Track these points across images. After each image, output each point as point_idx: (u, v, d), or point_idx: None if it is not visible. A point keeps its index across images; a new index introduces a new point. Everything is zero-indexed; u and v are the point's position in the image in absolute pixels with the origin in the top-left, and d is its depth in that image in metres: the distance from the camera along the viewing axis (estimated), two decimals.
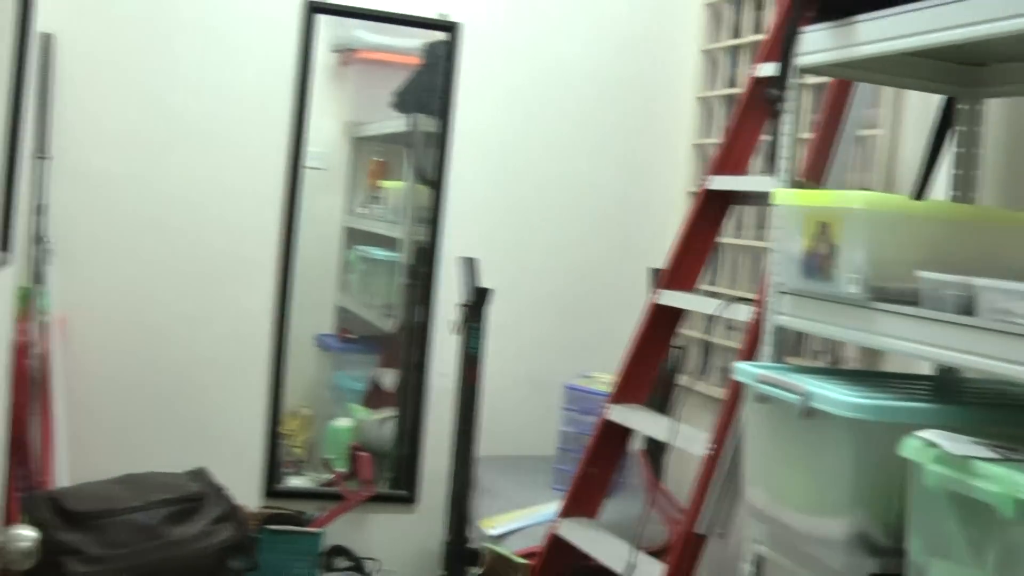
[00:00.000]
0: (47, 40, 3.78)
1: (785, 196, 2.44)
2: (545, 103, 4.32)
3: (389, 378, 4.51)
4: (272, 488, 4.13)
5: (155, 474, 3.45)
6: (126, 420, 3.96)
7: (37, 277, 3.69)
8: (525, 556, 3.27)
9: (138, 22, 3.94)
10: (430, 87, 4.26)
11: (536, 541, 3.32)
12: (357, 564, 3.74)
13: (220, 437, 4.05)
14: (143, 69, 3.95)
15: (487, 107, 4.27)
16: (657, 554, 3.02)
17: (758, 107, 3.19)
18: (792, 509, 2.26)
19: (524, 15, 4.29)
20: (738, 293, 3.84)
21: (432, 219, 4.23)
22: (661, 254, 3.46)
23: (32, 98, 3.65)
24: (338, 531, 4.05)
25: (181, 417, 4.02)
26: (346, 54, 4.39)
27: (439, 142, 4.23)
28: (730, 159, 3.28)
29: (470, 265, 3.76)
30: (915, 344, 1.98)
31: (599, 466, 3.31)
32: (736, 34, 4.20)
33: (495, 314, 3.89)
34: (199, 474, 3.49)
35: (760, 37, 3.90)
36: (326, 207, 4.48)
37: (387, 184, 4.52)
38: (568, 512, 3.28)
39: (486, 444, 4.01)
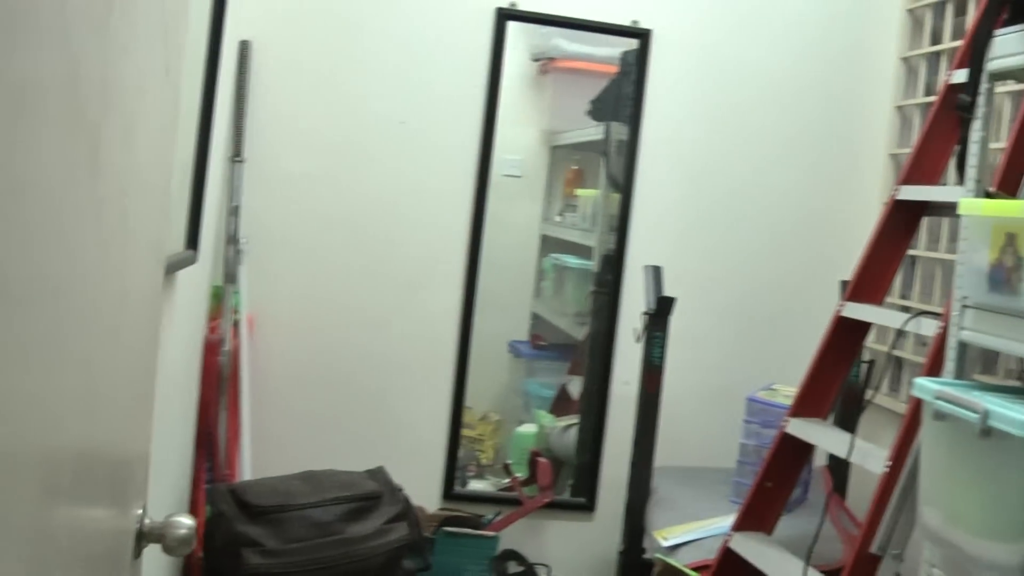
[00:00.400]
0: (244, 47, 3.89)
1: (971, 206, 2.34)
2: (735, 110, 4.25)
3: (577, 386, 4.50)
4: (451, 491, 4.16)
5: (334, 472, 3.50)
6: (310, 417, 4.05)
7: (229, 276, 3.78)
8: (697, 568, 3.21)
9: (333, 29, 4.02)
10: (624, 95, 4.23)
11: (709, 554, 3.26)
12: (528, 569, 3.73)
13: (402, 438, 4.10)
14: (337, 75, 4.03)
15: (677, 114, 4.22)
16: (833, 574, 2.92)
17: (951, 114, 3.07)
18: (966, 532, 2.15)
19: (716, 22, 4.22)
20: (931, 308, 3.69)
21: (619, 227, 4.20)
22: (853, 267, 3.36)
23: (228, 103, 3.76)
24: (515, 536, 4.05)
25: (364, 417, 4.08)
26: (545, 63, 4.41)
27: (628, 149, 4.20)
28: (921, 168, 3.16)
29: (655, 273, 3.72)
30: None
31: (775, 480, 3.22)
32: (936, 40, 4.04)
33: (679, 324, 3.84)
34: (377, 473, 3.52)
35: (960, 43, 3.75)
36: (524, 214, 4.51)
37: (582, 192, 4.52)
38: (742, 526, 3.20)
39: (666, 454, 3.96)
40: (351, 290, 4.06)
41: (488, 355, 4.42)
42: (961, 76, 2.82)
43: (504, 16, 4.11)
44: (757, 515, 3.23)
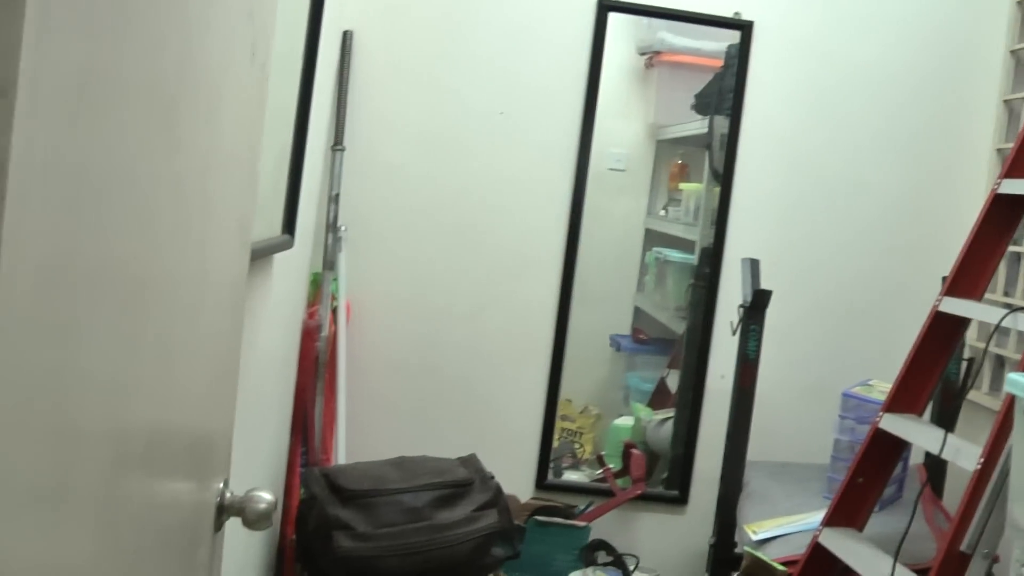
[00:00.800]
0: (347, 37, 3.94)
1: None
2: (837, 103, 4.19)
3: (675, 379, 4.48)
4: (544, 480, 4.18)
5: (427, 458, 3.53)
6: (404, 404, 4.09)
7: (328, 263, 3.84)
8: (786, 563, 3.19)
9: (434, 21, 4.05)
10: (727, 88, 4.21)
11: (799, 549, 3.23)
12: (617, 559, 3.73)
13: (496, 427, 4.12)
14: (437, 66, 4.06)
15: (777, 107, 4.18)
16: (925, 572, 2.88)
17: None
18: None
19: (818, 14, 4.17)
20: None
21: (718, 220, 4.18)
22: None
23: (330, 92, 3.81)
24: (608, 527, 4.05)
25: (458, 405, 4.11)
26: (651, 57, 4.39)
27: (728, 142, 4.17)
28: None
29: (752, 266, 3.70)
30: None
31: (867, 476, 3.18)
32: None
33: (775, 317, 3.81)
34: (468, 460, 3.54)
35: None
36: (629, 208, 4.50)
37: (685, 186, 4.50)
38: (832, 521, 3.17)
39: (761, 448, 3.94)
40: (447, 279, 4.09)
41: (589, 349, 4.43)
42: None
43: (605, 8, 4.10)
44: (848, 511, 3.19)
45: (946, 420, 3.43)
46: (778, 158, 4.18)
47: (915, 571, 2.85)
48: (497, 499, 3.43)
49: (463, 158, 4.08)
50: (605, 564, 3.74)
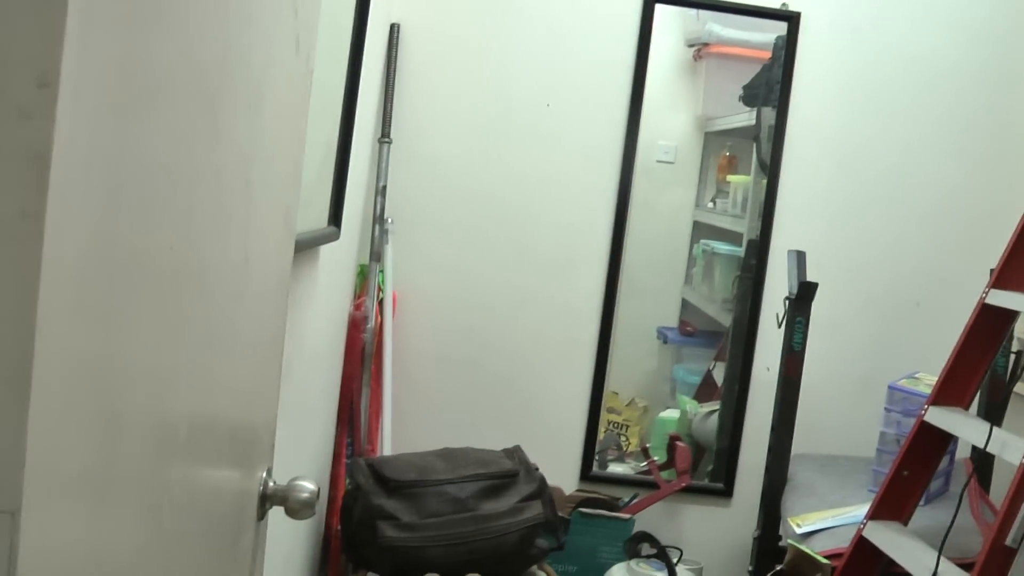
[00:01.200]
0: (394, 29, 3.96)
1: None
2: (885, 94, 4.16)
3: (721, 372, 4.48)
4: (588, 472, 4.19)
5: (472, 449, 3.54)
6: (450, 395, 4.11)
7: (375, 255, 3.86)
8: (831, 556, 3.17)
9: (480, 13, 4.06)
10: (775, 80, 4.20)
11: (843, 542, 3.22)
12: (661, 551, 3.73)
13: (541, 419, 4.14)
14: (483, 58, 4.07)
15: (825, 98, 4.16)
16: (971, 566, 2.86)
17: None
18: None
19: (866, 4, 4.15)
20: None
21: (765, 212, 4.17)
22: None
23: (377, 84, 3.83)
24: (653, 520, 4.05)
25: (503, 396, 4.12)
26: (700, 48, 4.39)
27: (775, 134, 4.16)
28: None
29: (798, 258, 3.69)
30: None
31: (912, 469, 3.16)
32: None
33: (822, 310, 3.80)
34: (513, 452, 3.55)
35: None
36: (677, 201, 4.50)
37: (733, 178, 4.49)
38: (877, 515, 3.15)
39: (807, 441, 3.93)
40: (493, 271, 4.10)
41: (636, 341, 4.44)
42: None
43: (652, 0, 4.10)
44: (893, 504, 3.17)
45: (993, 413, 3.40)
46: (825, 150, 4.16)
47: (961, 565, 2.83)
48: (542, 490, 3.44)
49: (509, 151, 4.09)
50: (649, 556, 3.74)
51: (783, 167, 4.16)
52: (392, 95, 3.95)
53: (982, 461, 3.60)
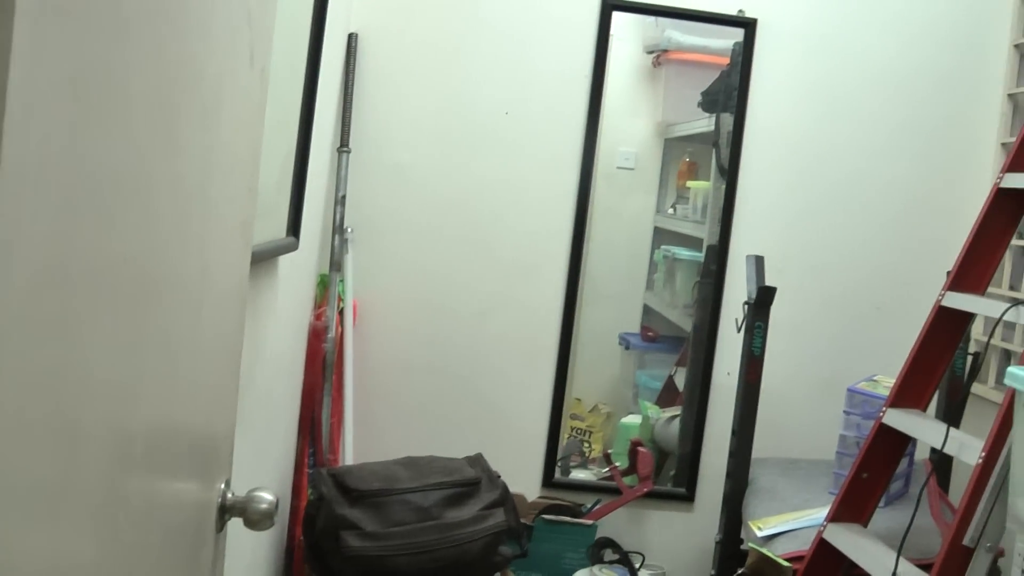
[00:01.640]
0: (352, 39, 3.96)
1: None
2: (842, 99, 4.20)
3: (683, 377, 4.49)
4: (551, 479, 4.19)
5: (435, 458, 3.54)
6: (412, 404, 4.11)
7: (335, 265, 3.86)
8: (792, 559, 3.19)
9: (438, 22, 4.07)
10: (734, 86, 4.22)
11: (804, 545, 3.24)
12: (624, 557, 3.74)
13: (503, 426, 4.14)
14: (442, 67, 4.08)
15: (782, 104, 4.19)
16: (931, 567, 2.88)
17: None
18: None
19: (822, 10, 4.18)
20: None
21: (723, 217, 4.20)
22: None
23: (335, 94, 3.83)
24: (617, 525, 4.07)
25: (466, 404, 4.13)
26: (659, 55, 4.40)
27: (733, 140, 4.19)
28: None
29: (757, 263, 3.71)
30: None
31: (872, 471, 3.19)
32: None
33: (783, 314, 3.83)
34: (476, 460, 3.56)
35: None
36: (638, 207, 4.51)
37: (693, 184, 4.51)
38: (837, 517, 3.18)
39: (770, 445, 3.96)
40: (454, 279, 4.11)
41: (599, 347, 4.44)
42: None
43: (610, 6, 4.12)
44: (852, 506, 3.20)
45: (951, 414, 3.43)
46: (783, 155, 4.19)
47: (922, 565, 2.85)
48: (505, 498, 3.44)
49: (469, 159, 4.10)
50: (612, 562, 3.75)
51: (742, 172, 4.19)
52: (351, 104, 3.95)
53: (941, 462, 3.64)
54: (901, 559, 2.81)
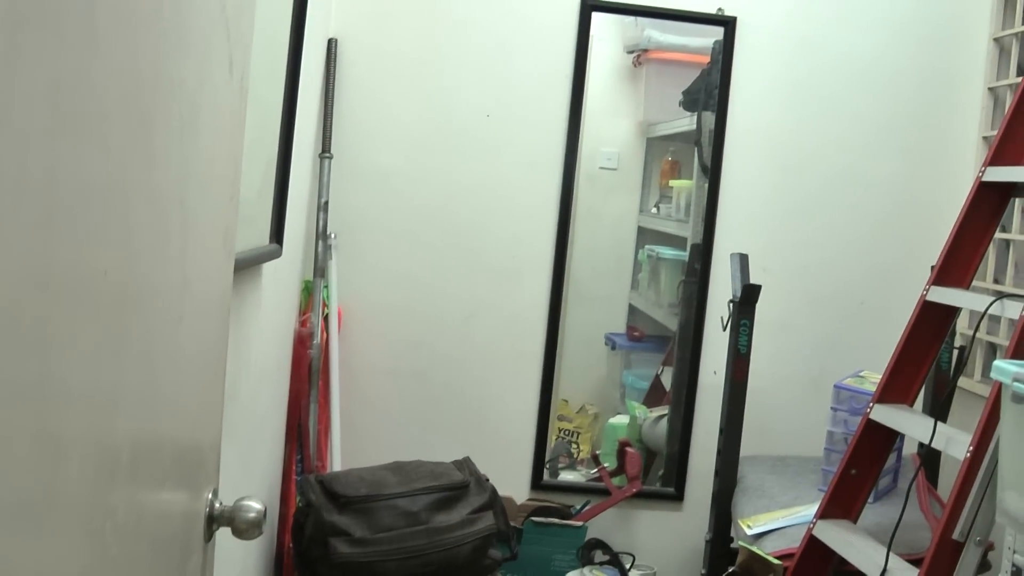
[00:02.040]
0: (332, 44, 3.95)
1: None
2: (823, 96, 4.21)
3: (670, 376, 4.50)
4: (540, 481, 4.19)
5: (423, 462, 3.54)
6: (399, 409, 4.10)
7: (319, 271, 3.85)
8: (782, 557, 3.20)
9: (418, 26, 4.06)
10: (715, 85, 4.23)
11: (794, 542, 3.24)
12: (614, 557, 3.74)
13: (491, 429, 4.14)
14: (423, 70, 4.08)
15: (763, 102, 4.20)
16: (921, 561, 2.89)
17: None
18: None
19: (802, 7, 4.19)
20: (1022, 292, 3.63)
21: (707, 216, 4.20)
22: None
23: (316, 100, 3.83)
24: (606, 526, 4.07)
25: (453, 408, 4.12)
26: (639, 55, 4.40)
27: (715, 138, 4.19)
28: (1008, 149, 3.11)
29: (741, 261, 3.71)
30: None
31: (860, 467, 3.19)
32: None
33: (768, 311, 3.83)
34: (464, 463, 3.56)
35: None
36: (621, 207, 4.51)
37: (676, 183, 4.51)
38: (826, 513, 3.18)
39: (758, 443, 3.96)
40: (439, 283, 4.10)
41: (585, 348, 4.44)
42: None
43: (589, 7, 4.12)
44: (842, 503, 3.20)
45: (938, 409, 3.44)
46: (765, 152, 4.20)
47: (910, 560, 2.86)
48: (493, 501, 3.44)
49: (451, 162, 4.09)
50: (602, 563, 3.75)
51: (724, 171, 4.19)
52: (332, 110, 3.94)
53: (929, 456, 3.64)
54: (891, 554, 2.81)
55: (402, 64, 4.07)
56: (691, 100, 4.36)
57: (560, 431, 4.39)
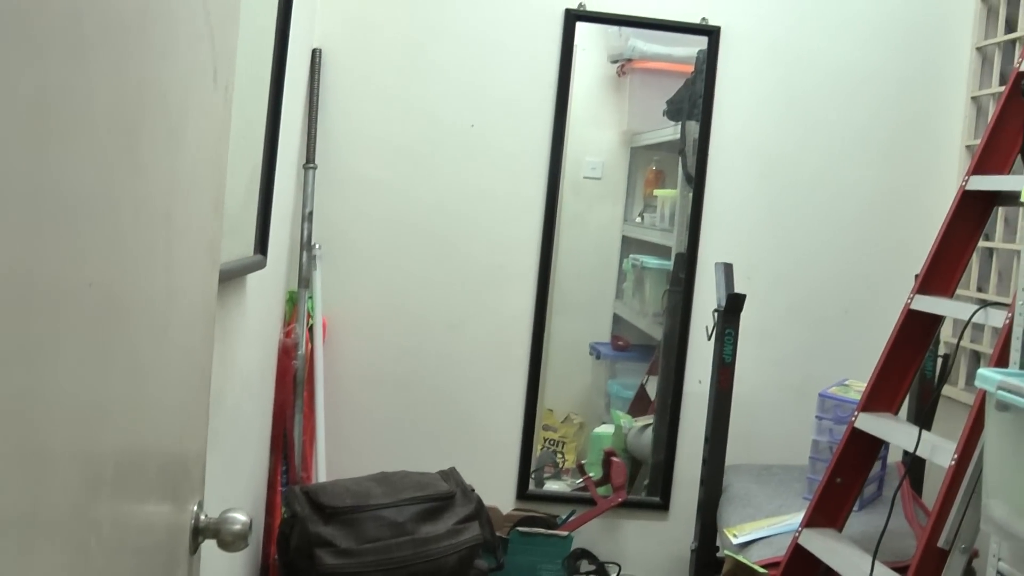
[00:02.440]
0: (315, 55, 3.95)
1: None
2: (807, 105, 4.22)
3: (655, 385, 4.50)
4: (525, 491, 4.19)
5: (408, 473, 3.53)
6: (384, 420, 4.09)
7: (304, 281, 3.84)
8: (768, 566, 3.20)
9: (402, 36, 4.06)
10: (699, 94, 4.23)
11: (780, 551, 3.24)
12: (599, 568, 3.74)
13: (476, 440, 4.13)
14: (406, 81, 4.07)
15: (747, 111, 4.20)
16: (906, 569, 2.89)
17: (1021, 103, 3.03)
18: None
19: (786, 16, 4.20)
20: (1006, 300, 3.64)
21: (691, 225, 4.20)
22: None
23: (300, 110, 3.82)
24: (592, 536, 4.07)
25: (438, 419, 4.12)
26: (623, 64, 4.41)
27: (699, 147, 4.19)
28: (991, 158, 3.12)
29: (725, 270, 3.71)
30: None
31: (845, 476, 3.20)
32: (1012, 28, 3.99)
33: (752, 320, 3.83)
34: (449, 474, 3.55)
35: None
36: (606, 216, 4.51)
37: (660, 192, 4.51)
38: (812, 522, 3.18)
39: (743, 452, 3.96)
40: (424, 293, 4.10)
41: (570, 357, 4.45)
42: None
43: (573, 17, 4.13)
44: (827, 511, 3.20)
45: (923, 417, 3.45)
46: (749, 162, 4.20)
47: (896, 568, 2.86)
48: (479, 511, 3.43)
49: (435, 172, 4.09)
50: (588, 573, 3.75)
51: (708, 180, 4.20)
52: (316, 120, 3.94)
53: (914, 465, 3.64)
54: (876, 562, 2.82)
55: (386, 74, 4.06)
56: (675, 109, 4.36)
57: (545, 441, 4.38)
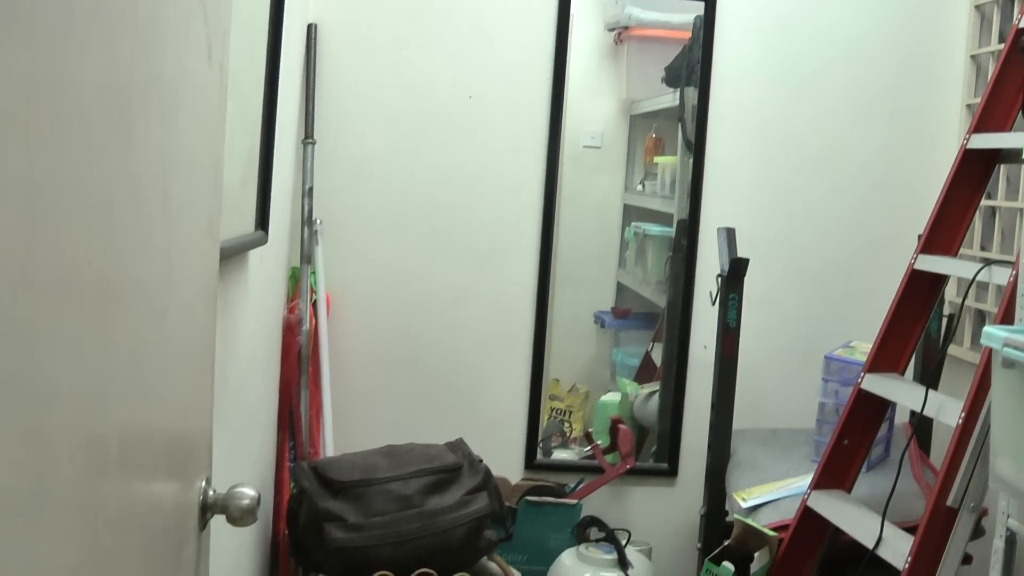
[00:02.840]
0: (311, 29, 3.93)
1: None
2: (806, 68, 4.20)
3: (660, 353, 4.50)
4: (533, 461, 4.19)
5: (415, 445, 3.53)
6: (390, 393, 4.09)
7: (306, 257, 3.84)
8: (777, 528, 3.20)
9: (397, 9, 4.04)
10: (697, 60, 4.21)
11: (788, 514, 3.25)
12: (610, 535, 3.75)
13: (482, 411, 4.13)
14: (403, 53, 4.05)
15: (746, 75, 4.18)
16: (915, 529, 2.90)
17: (1020, 60, 3.02)
18: None
19: None
20: (1010, 258, 3.64)
21: (692, 191, 4.19)
22: None
23: (298, 85, 3.81)
24: (600, 503, 4.07)
25: (444, 391, 4.12)
26: (620, 32, 4.39)
27: (698, 113, 4.18)
28: (992, 116, 3.12)
29: (728, 235, 3.70)
30: None
31: (852, 437, 3.20)
32: None
33: (756, 285, 3.83)
34: (456, 445, 3.55)
35: None
36: (607, 185, 4.51)
37: (661, 160, 4.50)
38: (820, 484, 3.19)
39: (750, 417, 3.96)
40: (426, 267, 4.09)
41: (574, 327, 4.44)
42: None
43: None
44: (835, 473, 3.21)
45: (929, 377, 3.45)
46: (749, 127, 4.19)
47: (905, 528, 2.87)
48: (487, 482, 3.43)
49: (434, 145, 4.08)
50: (598, 540, 3.75)
51: (708, 146, 4.18)
52: (313, 95, 3.93)
53: (921, 425, 3.65)
54: (886, 523, 2.82)
55: (383, 47, 4.05)
56: (673, 76, 4.35)
57: (552, 410, 4.39)
